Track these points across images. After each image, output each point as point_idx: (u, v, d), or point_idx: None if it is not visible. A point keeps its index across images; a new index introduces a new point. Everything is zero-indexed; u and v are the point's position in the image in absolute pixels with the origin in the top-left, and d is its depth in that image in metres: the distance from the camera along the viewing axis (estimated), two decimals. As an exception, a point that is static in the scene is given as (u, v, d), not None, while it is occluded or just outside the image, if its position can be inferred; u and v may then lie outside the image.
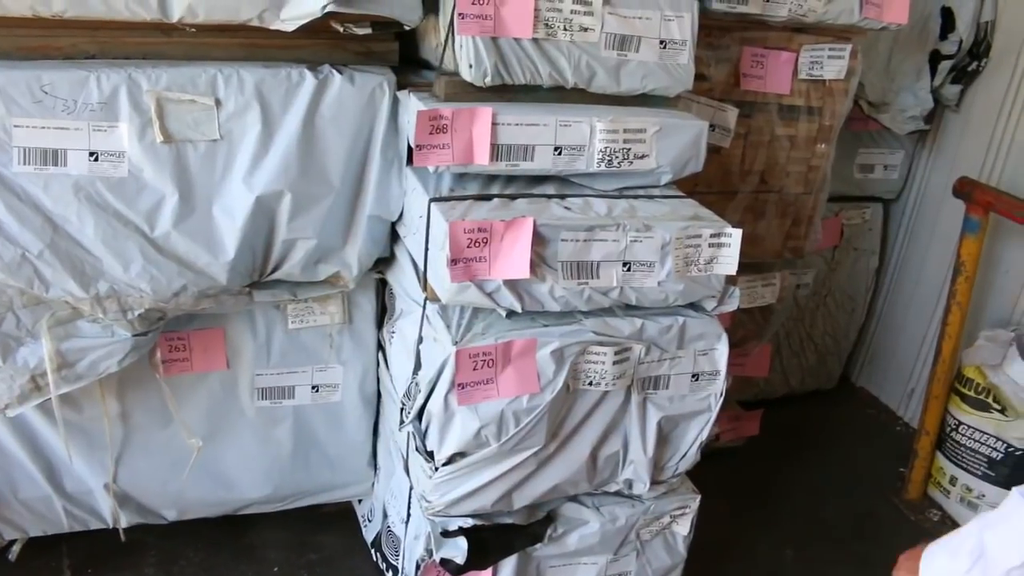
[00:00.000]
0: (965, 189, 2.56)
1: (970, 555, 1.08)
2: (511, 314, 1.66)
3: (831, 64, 2.31)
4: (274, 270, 1.90)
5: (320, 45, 1.80)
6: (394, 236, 1.98)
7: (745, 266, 2.43)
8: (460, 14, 1.64)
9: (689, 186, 2.00)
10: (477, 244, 1.57)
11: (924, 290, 3.14)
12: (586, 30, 1.73)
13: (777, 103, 2.32)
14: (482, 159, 1.68)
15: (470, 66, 1.68)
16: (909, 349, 3.23)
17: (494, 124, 1.66)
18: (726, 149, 2.28)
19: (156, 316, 1.84)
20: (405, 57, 1.91)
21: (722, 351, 1.81)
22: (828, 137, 2.41)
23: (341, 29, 1.75)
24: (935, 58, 2.84)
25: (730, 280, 1.79)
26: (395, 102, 1.82)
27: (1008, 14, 2.78)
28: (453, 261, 1.57)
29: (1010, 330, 2.70)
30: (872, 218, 3.14)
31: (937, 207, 3.04)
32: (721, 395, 1.85)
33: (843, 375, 3.44)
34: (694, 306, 1.81)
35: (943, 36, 2.81)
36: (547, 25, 1.70)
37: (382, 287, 2.08)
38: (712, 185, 2.30)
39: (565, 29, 1.71)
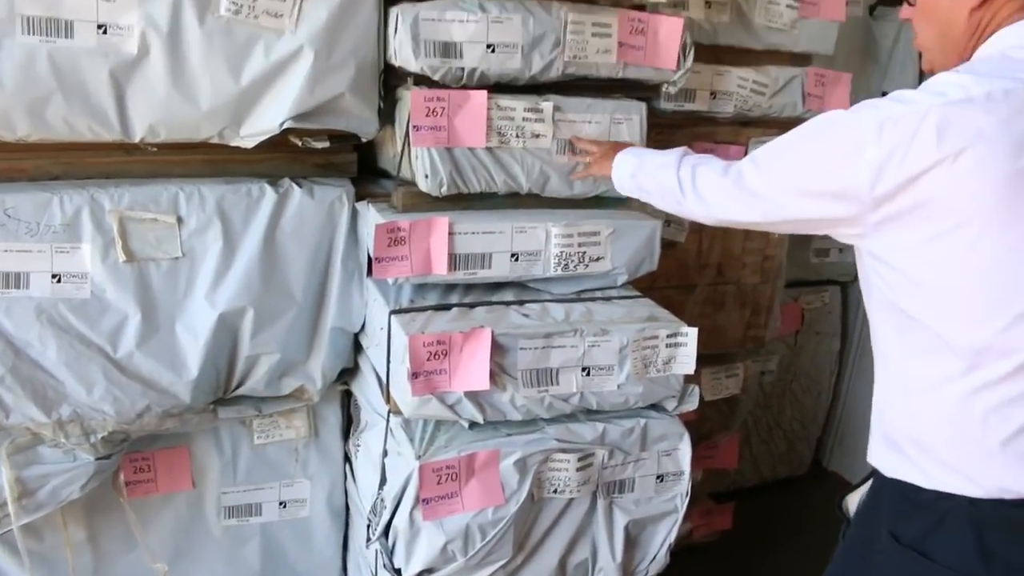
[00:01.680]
0: (916, 272, 2.61)
1: (638, 165, 1.67)
2: (474, 424, 1.67)
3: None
4: (238, 386, 1.89)
5: (280, 158, 1.83)
6: (358, 346, 1.99)
7: (708, 358, 2.47)
8: (415, 126, 1.69)
9: (648, 281, 2.03)
10: (437, 356, 1.58)
11: (887, 370, 3.17)
12: (538, 136, 1.78)
13: (730, 196, 2.38)
14: (440, 269, 1.71)
15: (426, 176, 1.72)
16: (877, 430, 3.24)
17: (451, 234, 1.70)
18: (682, 243, 2.33)
19: (120, 438, 1.82)
20: (365, 165, 1.95)
21: (685, 451, 1.82)
22: (781, 227, 2.47)
23: (300, 143, 1.79)
24: (879, 144, 2.93)
25: (689, 379, 1.81)
26: (354, 213, 1.85)
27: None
28: (414, 375, 1.57)
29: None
30: (831, 301, 3.19)
31: (893, 288, 3.10)
32: (687, 495, 1.85)
33: (814, 459, 3.44)
34: (655, 407, 1.82)
35: (886, 121, 2.92)
36: (500, 133, 1.75)
37: (347, 398, 2.08)
38: (671, 279, 2.33)
39: (518, 136, 1.76)
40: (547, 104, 1.76)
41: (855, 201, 1.22)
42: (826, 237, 3.04)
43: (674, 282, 2.35)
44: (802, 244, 3.02)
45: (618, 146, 1.78)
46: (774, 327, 2.61)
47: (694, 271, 2.40)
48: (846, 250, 3.14)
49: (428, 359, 1.59)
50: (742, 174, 1.39)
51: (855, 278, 3.18)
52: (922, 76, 2.87)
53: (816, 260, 3.11)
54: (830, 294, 3.19)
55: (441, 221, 1.69)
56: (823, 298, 3.16)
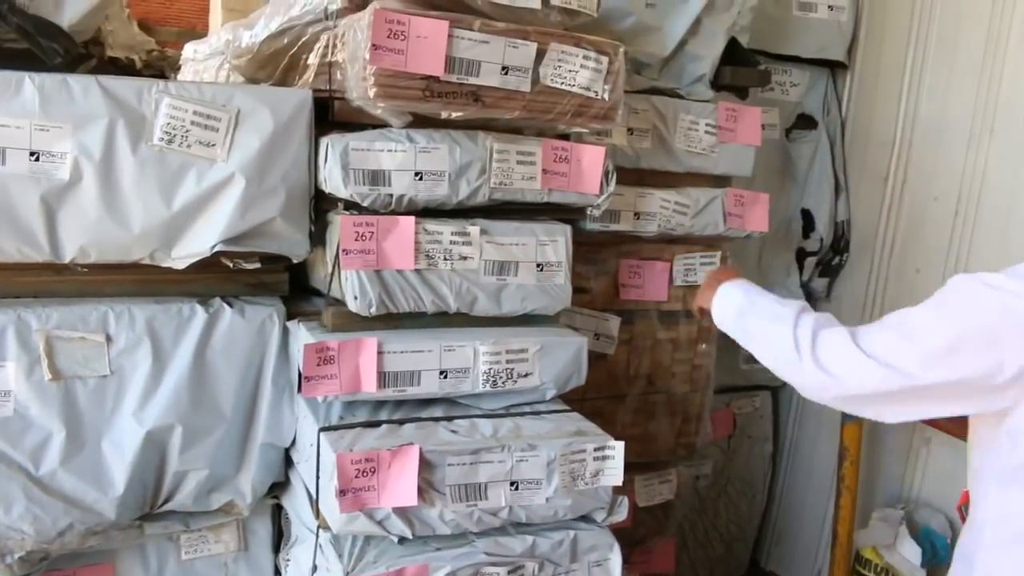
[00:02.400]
0: (840, 378, 2.71)
1: (748, 304, 1.64)
2: (403, 539, 1.67)
3: (704, 270, 2.47)
4: (165, 501, 1.87)
5: (211, 278, 1.86)
6: (289, 460, 1.99)
7: (640, 465, 2.51)
8: (344, 250, 1.73)
9: (579, 392, 2.07)
10: (365, 474, 1.60)
11: (818, 472, 3.24)
12: (466, 259, 1.84)
13: (657, 309, 2.46)
14: (370, 387, 1.73)
15: (355, 297, 1.76)
16: (811, 530, 3.29)
17: (380, 353, 1.73)
18: (612, 355, 2.39)
19: (39, 557, 1.78)
20: (297, 283, 1.99)
21: (615, 561, 1.83)
22: (708, 337, 2.55)
23: (231, 264, 1.82)
24: (801, 255, 3.08)
25: (618, 490, 1.84)
26: (285, 332, 1.88)
27: (860, 212, 3.06)
28: (342, 492, 1.59)
29: (899, 508, 2.79)
30: (762, 406, 3.27)
31: (821, 392, 3.19)
32: (619, 605, 1.86)
33: (752, 560, 3.47)
34: (585, 518, 1.84)
35: (806, 235, 3.07)
36: (428, 256, 1.80)
37: (278, 511, 2.07)
38: (601, 390, 2.38)
39: (446, 259, 1.82)
40: (474, 228, 1.83)
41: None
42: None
43: (605, 393, 2.40)
44: (731, 351, 3.10)
45: (723, 274, 1.78)
46: (705, 434, 2.67)
47: (624, 382, 2.45)
48: (774, 356, 3.23)
49: (356, 476, 1.60)
50: (879, 344, 1.34)
51: (784, 383, 3.32)
52: (838, 194, 3.05)
53: (746, 366, 3.18)
54: (760, 399, 3.26)
55: (370, 341, 1.72)
56: (754, 403, 3.24)
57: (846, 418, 2.70)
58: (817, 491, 3.25)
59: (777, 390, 3.35)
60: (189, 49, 3.41)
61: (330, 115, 1.85)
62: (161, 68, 2.56)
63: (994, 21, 2.61)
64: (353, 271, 1.74)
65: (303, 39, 2.05)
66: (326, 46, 1.90)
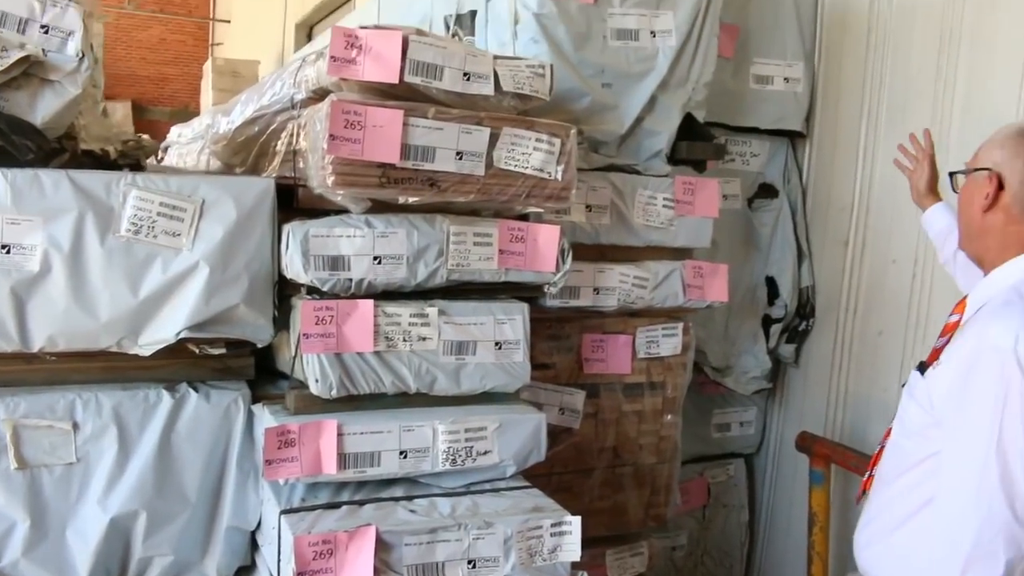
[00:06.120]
0: (805, 443, 2.74)
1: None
2: (364, 621, 1.69)
3: (666, 342, 2.52)
4: (131, 589, 1.88)
5: (178, 364, 1.89)
6: (255, 543, 2.00)
7: (612, 539, 2.52)
8: (305, 334, 1.78)
9: (546, 467, 2.09)
10: (323, 555, 1.62)
11: (795, 538, 3.23)
12: (424, 339, 1.88)
13: (621, 382, 2.48)
14: (330, 469, 1.76)
15: (316, 380, 1.80)
16: (790, 598, 3.28)
17: (340, 434, 1.76)
18: (578, 429, 2.41)
19: (1, 649, 1.79)
20: (265, 366, 2.02)
21: (580, 638, 1.85)
22: (673, 408, 2.58)
23: (197, 350, 1.86)
24: (767, 322, 3.12)
25: (589, 564, 1.86)
26: (250, 415, 1.91)
27: (823, 278, 3.12)
28: (299, 574, 1.60)
29: (875, 574, 2.79)
30: (736, 473, 3.28)
31: (794, 458, 3.19)
32: None
33: (732, 629, 3.45)
34: (546, 594, 1.85)
35: (771, 302, 3.12)
36: (387, 338, 1.84)
37: (244, 595, 2.07)
38: (568, 465, 2.40)
39: (405, 340, 1.86)
40: (432, 309, 1.88)
41: None
42: (725, 411, 3.20)
43: (572, 467, 2.42)
44: (703, 420, 3.13)
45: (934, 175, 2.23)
46: (675, 504, 2.68)
47: (590, 455, 2.47)
48: (746, 423, 3.27)
49: (314, 558, 1.62)
50: None
51: (757, 449, 3.34)
52: (801, 260, 3.12)
53: (718, 435, 3.21)
54: (734, 467, 3.27)
55: (330, 423, 1.76)
56: (728, 471, 3.24)
57: (813, 483, 2.73)
58: (795, 557, 3.24)
59: (751, 457, 3.36)
60: (174, 132, 3.52)
61: (295, 202, 1.91)
62: (137, 157, 2.62)
63: (938, 90, 2.71)
64: (314, 355, 1.79)
65: (272, 127, 2.13)
66: (292, 134, 1.98)
